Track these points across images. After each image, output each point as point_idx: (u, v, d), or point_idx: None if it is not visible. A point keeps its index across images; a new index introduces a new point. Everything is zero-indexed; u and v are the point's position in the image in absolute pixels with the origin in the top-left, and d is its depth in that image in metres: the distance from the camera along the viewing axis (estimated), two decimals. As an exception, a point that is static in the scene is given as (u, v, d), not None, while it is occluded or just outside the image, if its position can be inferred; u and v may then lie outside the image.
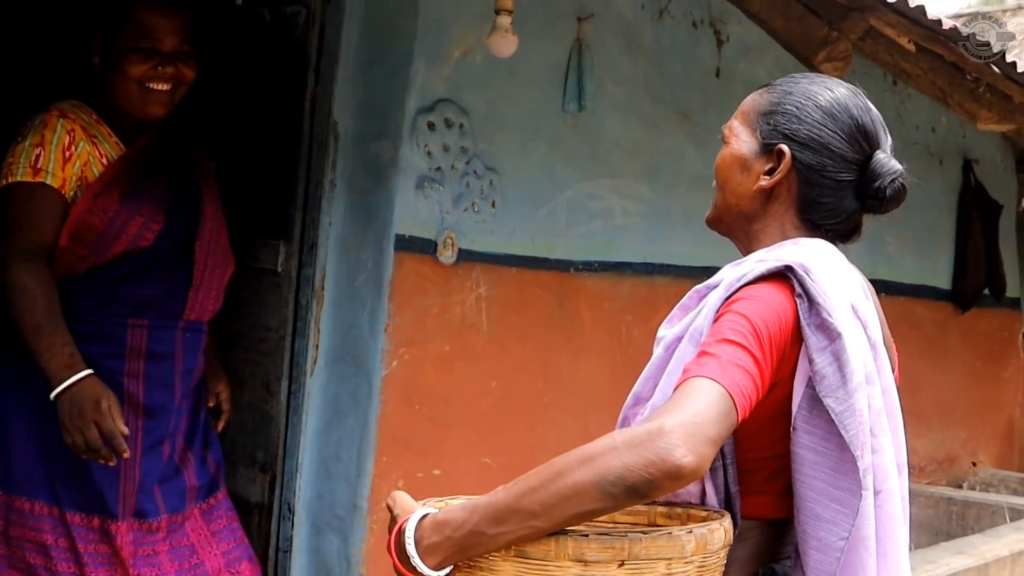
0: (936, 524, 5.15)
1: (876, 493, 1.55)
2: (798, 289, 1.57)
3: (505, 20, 3.09)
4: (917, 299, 5.75)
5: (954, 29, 3.58)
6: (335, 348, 3.43)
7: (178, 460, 2.89)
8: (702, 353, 1.47)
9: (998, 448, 6.42)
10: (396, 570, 1.40)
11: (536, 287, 3.79)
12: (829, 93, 1.76)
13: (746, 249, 1.75)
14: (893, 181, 1.73)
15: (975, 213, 6.02)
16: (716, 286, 1.64)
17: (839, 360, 1.53)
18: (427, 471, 3.46)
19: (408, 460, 3.43)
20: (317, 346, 3.44)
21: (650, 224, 4.22)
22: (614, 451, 1.33)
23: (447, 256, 3.45)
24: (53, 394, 2.55)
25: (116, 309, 2.71)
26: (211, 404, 3.14)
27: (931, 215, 5.87)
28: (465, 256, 3.51)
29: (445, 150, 3.43)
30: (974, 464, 6.13)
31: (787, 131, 1.71)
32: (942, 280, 6.01)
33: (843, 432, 1.51)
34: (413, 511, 1.41)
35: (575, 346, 3.95)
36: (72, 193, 2.69)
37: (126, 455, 2.60)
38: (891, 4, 3.37)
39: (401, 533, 1.39)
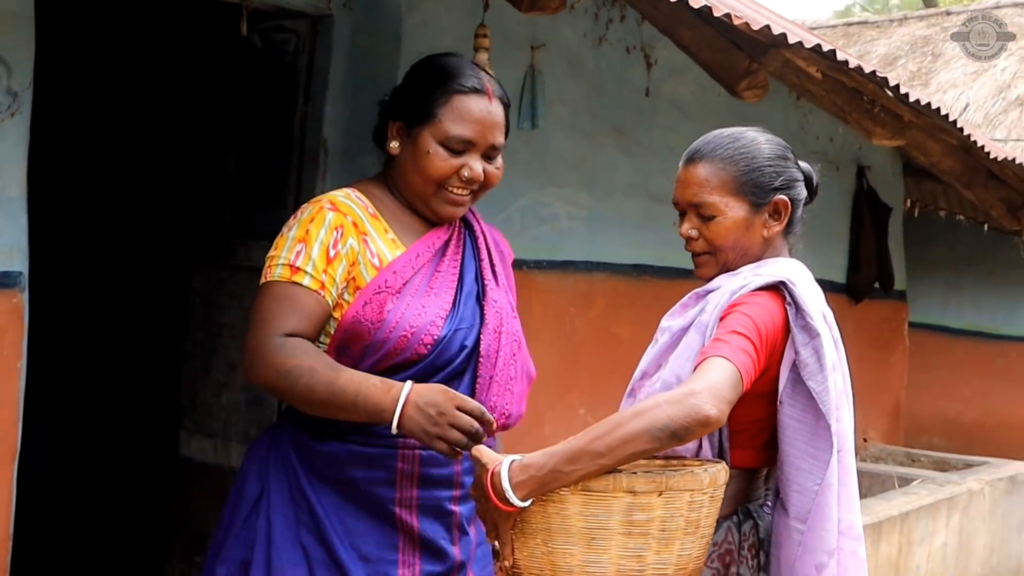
0: (833, 492, 5.76)
1: (839, 451, 2.09)
2: (788, 299, 2.11)
3: (483, 56, 3.57)
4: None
5: (859, 67, 4.17)
6: (325, 337, 3.89)
7: None
8: (717, 340, 2.01)
9: (886, 426, 7.08)
10: (491, 505, 1.86)
11: (495, 283, 4.28)
12: (764, 140, 2.28)
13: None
14: (815, 175, 2.31)
15: (867, 214, 6.65)
16: (714, 290, 2.18)
17: (818, 353, 2.07)
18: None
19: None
20: (309, 336, 3.89)
21: (590, 227, 4.75)
22: (659, 407, 1.84)
23: (424, 257, 3.92)
24: (395, 428, 2.16)
25: (382, 430, 2.21)
26: None
27: (828, 216, 6.45)
28: (438, 257, 3.98)
29: (422, 165, 3.91)
30: (865, 440, 6.79)
31: (768, 185, 2.21)
32: (837, 274, 6.60)
33: (821, 406, 2.05)
34: (501, 459, 1.88)
35: (527, 334, 4.42)
36: (334, 299, 2.27)
37: (495, 425, 2.21)
38: (807, 46, 3.94)
39: (496, 475, 1.85)
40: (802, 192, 2.28)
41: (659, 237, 5.09)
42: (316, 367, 2.17)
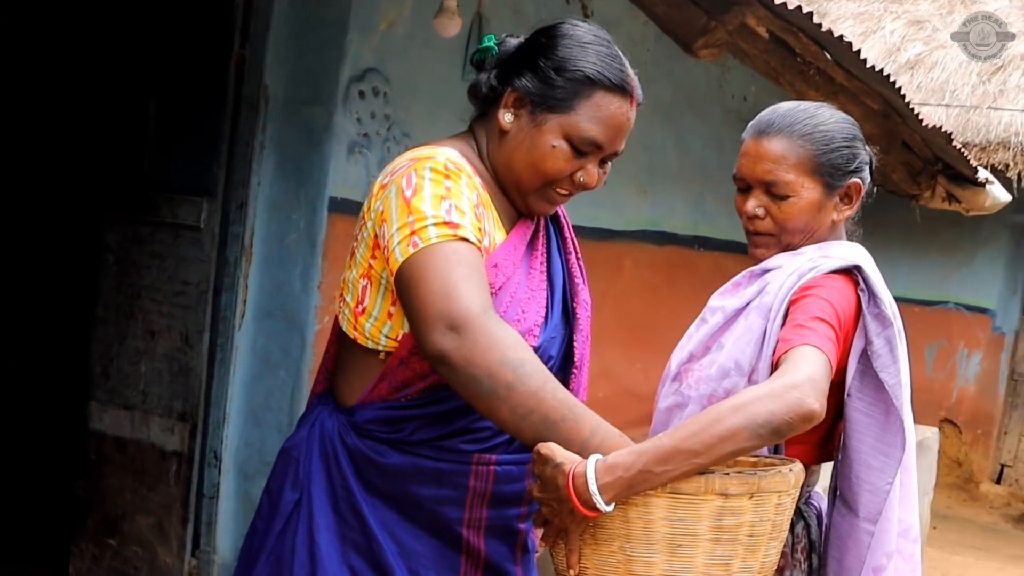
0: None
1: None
2: (862, 284, 1.97)
3: (452, 3, 3.30)
4: (729, 253, 6.31)
5: (829, 31, 4.04)
6: (264, 304, 3.58)
7: None
8: (800, 326, 1.84)
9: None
10: (566, 508, 1.65)
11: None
12: (838, 118, 2.13)
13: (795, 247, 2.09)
14: (874, 159, 2.17)
15: (775, 175, 6.62)
16: (772, 270, 2.02)
17: (890, 343, 1.93)
18: (347, 419, 3.68)
19: (329, 409, 3.64)
20: (245, 301, 3.57)
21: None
22: (759, 401, 1.65)
23: (372, 218, 3.64)
24: None
25: (457, 443, 1.97)
26: None
27: (738, 176, 6.42)
28: (386, 218, 3.71)
29: (372, 117, 3.62)
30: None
31: (845, 167, 2.07)
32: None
33: (894, 400, 1.91)
34: (579, 459, 1.65)
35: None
36: None
37: None
38: (772, 4, 3.77)
39: (581, 476, 1.62)
40: (868, 175, 2.16)
41: (590, 197, 4.89)
42: (546, 369, 1.77)
